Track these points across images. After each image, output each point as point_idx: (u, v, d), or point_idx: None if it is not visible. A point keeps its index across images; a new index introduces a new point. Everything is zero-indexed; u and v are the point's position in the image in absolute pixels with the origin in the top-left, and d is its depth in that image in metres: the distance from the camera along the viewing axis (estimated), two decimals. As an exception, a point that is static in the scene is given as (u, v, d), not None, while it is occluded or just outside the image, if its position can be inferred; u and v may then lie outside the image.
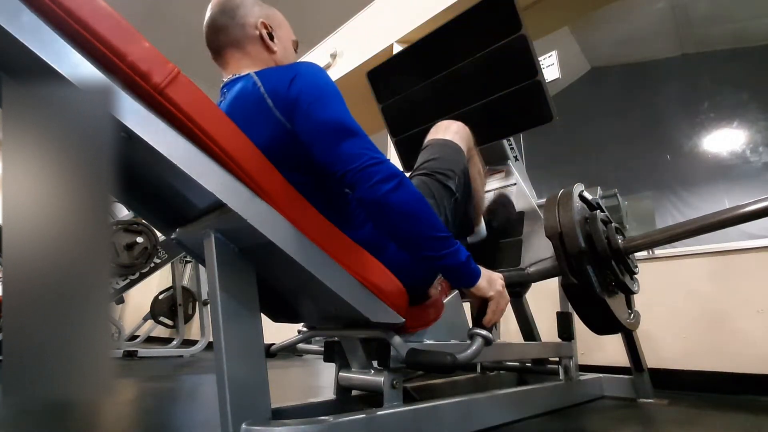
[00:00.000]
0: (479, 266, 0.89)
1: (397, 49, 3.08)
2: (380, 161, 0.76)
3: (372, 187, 0.74)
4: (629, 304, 1.39)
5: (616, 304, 1.25)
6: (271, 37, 0.96)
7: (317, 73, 0.82)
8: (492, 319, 0.90)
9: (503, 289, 0.92)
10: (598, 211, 1.26)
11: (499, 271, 1.39)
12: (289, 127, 0.79)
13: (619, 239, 1.22)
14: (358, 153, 0.75)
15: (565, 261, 1.18)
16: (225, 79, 0.93)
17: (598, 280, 1.18)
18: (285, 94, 0.79)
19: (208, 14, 0.94)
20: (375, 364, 0.98)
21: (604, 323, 1.27)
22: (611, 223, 1.27)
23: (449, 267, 0.83)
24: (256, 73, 0.86)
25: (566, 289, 1.21)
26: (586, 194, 1.31)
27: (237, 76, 0.90)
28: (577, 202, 1.24)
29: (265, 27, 0.95)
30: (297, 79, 0.79)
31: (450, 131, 1.15)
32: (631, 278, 1.32)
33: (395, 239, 0.83)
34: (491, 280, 0.91)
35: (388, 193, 0.75)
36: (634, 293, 1.33)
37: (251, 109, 0.81)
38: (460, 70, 1.51)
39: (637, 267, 1.33)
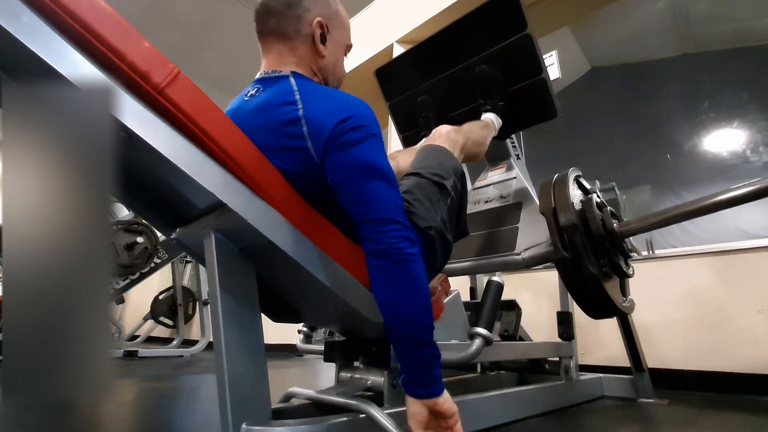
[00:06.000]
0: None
1: (398, 49, 3.08)
2: (404, 224, 0.73)
3: (385, 243, 0.71)
4: (624, 290, 1.39)
5: (610, 287, 1.26)
6: (324, 39, 0.88)
7: (371, 117, 0.78)
8: None
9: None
10: (594, 195, 1.28)
11: (495, 257, 1.40)
12: (317, 161, 0.75)
13: (614, 223, 1.23)
14: (386, 206, 0.72)
15: (557, 235, 1.18)
16: (263, 70, 0.87)
17: (590, 255, 1.18)
18: (329, 131, 0.73)
19: None
20: (375, 364, 0.98)
21: (597, 303, 1.26)
22: (606, 207, 1.27)
23: (423, 367, 0.71)
24: (297, 83, 0.80)
25: (558, 264, 1.22)
26: (583, 180, 1.33)
27: (277, 74, 0.84)
28: (573, 185, 1.25)
29: (321, 27, 0.87)
30: (350, 122, 0.74)
31: (440, 138, 1.13)
32: (626, 262, 1.32)
33: (386, 312, 0.73)
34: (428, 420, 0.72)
35: (401, 258, 0.71)
36: (629, 277, 1.33)
37: (279, 125, 0.77)
38: (467, 68, 1.52)
39: (632, 252, 1.33)
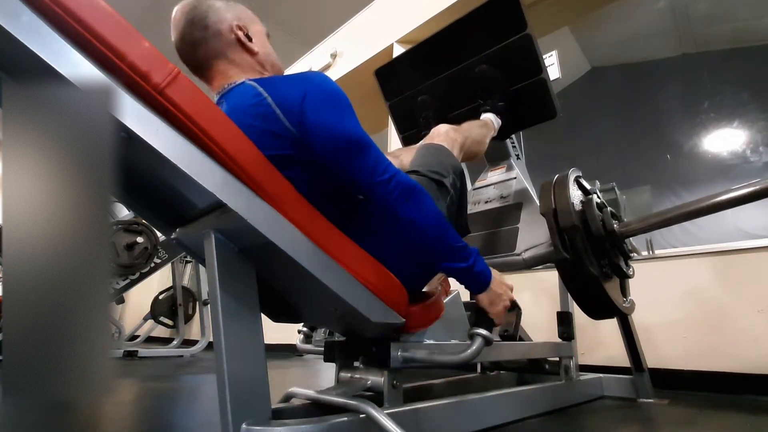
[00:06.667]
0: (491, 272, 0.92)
1: (398, 49, 3.08)
2: (394, 174, 0.79)
3: (389, 200, 0.78)
4: (624, 290, 1.39)
5: (610, 287, 1.26)
6: (249, 39, 0.93)
7: (329, 85, 0.82)
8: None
9: (502, 307, 0.92)
10: (594, 195, 1.28)
11: (496, 257, 1.40)
12: (299, 138, 0.79)
13: (614, 223, 1.24)
14: (374, 167, 0.78)
15: (558, 236, 1.19)
16: (216, 91, 0.91)
17: (590, 256, 1.18)
18: (297, 107, 0.78)
19: (176, 30, 0.88)
20: (375, 364, 0.98)
21: (597, 304, 1.27)
22: (607, 207, 1.28)
23: (474, 274, 0.88)
24: (255, 81, 0.84)
25: (558, 265, 1.22)
26: (583, 181, 1.33)
27: (231, 85, 0.88)
28: (573, 186, 1.25)
29: (241, 29, 0.91)
30: (309, 93, 0.79)
31: (439, 137, 1.15)
32: (626, 263, 1.32)
33: (421, 250, 0.87)
34: (493, 299, 0.91)
35: (405, 205, 0.79)
36: (629, 277, 1.34)
37: (255, 119, 0.80)
38: (467, 68, 1.52)
39: (632, 252, 1.34)
